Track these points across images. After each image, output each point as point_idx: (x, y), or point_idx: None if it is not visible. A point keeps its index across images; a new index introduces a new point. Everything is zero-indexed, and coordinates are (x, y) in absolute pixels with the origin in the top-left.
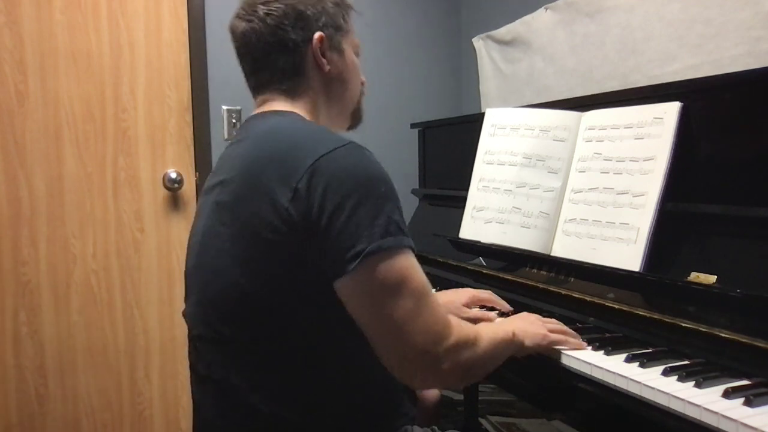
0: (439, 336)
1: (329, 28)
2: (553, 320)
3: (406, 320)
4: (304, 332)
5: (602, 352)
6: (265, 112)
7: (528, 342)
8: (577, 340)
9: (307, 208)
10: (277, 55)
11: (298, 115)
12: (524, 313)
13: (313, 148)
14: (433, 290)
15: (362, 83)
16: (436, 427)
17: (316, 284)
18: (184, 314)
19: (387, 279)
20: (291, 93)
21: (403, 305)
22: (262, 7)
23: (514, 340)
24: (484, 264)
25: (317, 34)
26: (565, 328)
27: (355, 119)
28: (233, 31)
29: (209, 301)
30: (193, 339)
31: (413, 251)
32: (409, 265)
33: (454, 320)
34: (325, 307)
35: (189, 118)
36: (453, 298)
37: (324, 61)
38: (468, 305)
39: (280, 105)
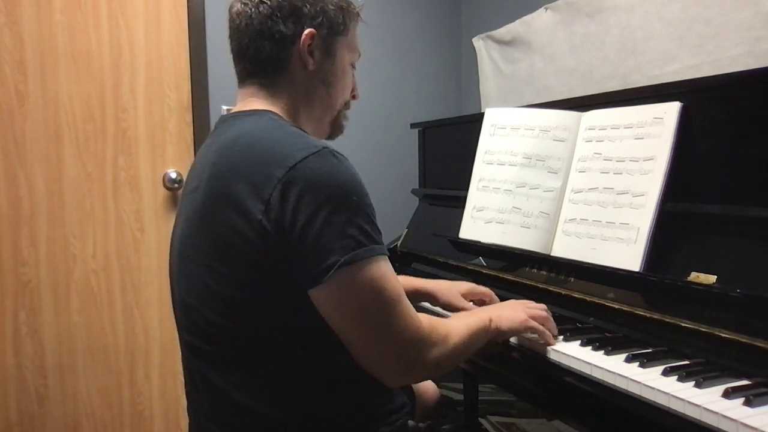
0: (411, 339)
1: (324, 27)
2: (541, 305)
3: (379, 327)
4: (288, 336)
5: (602, 352)
6: (241, 111)
7: (504, 326)
8: (551, 334)
9: (281, 220)
10: (262, 44)
11: (274, 114)
12: (510, 300)
13: (283, 158)
14: (404, 295)
15: (353, 96)
16: (432, 422)
17: (295, 291)
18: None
19: (359, 290)
20: (271, 88)
21: (376, 313)
22: None
23: (490, 326)
24: (484, 264)
25: (307, 31)
26: (548, 316)
27: (334, 129)
28: (230, 9)
29: (189, 307)
30: (180, 341)
31: (386, 256)
32: (381, 274)
33: (425, 321)
34: (305, 311)
35: (189, 118)
36: (452, 286)
37: (310, 59)
38: (466, 296)
39: (258, 103)
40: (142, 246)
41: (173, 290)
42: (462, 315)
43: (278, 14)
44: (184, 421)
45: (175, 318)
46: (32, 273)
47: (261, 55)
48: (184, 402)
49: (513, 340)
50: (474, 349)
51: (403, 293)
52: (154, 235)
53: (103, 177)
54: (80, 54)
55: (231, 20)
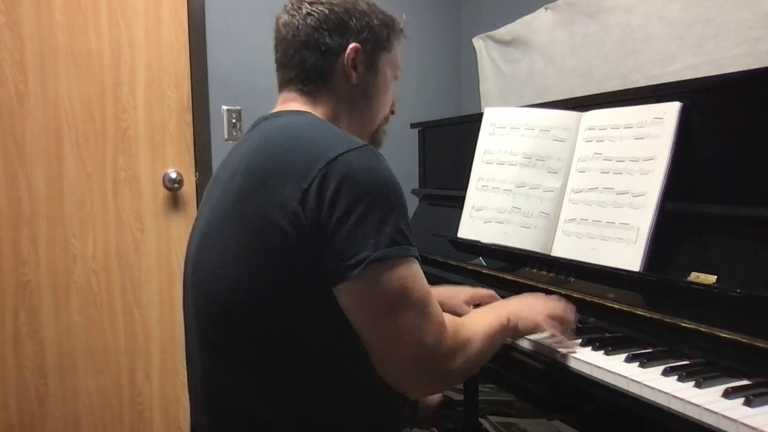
0: (434, 346)
1: (369, 42)
2: (562, 300)
3: (404, 330)
4: (302, 335)
5: (602, 352)
6: (280, 111)
7: (521, 326)
8: (569, 338)
9: (316, 211)
10: (307, 55)
11: (314, 115)
12: (528, 294)
13: (325, 150)
14: (433, 298)
15: (392, 111)
16: (435, 429)
17: (319, 288)
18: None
19: (388, 288)
20: (313, 95)
21: (403, 315)
22: (307, 5)
23: (508, 326)
24: (484, 264)
25: (352, 45)
26: (568, 315)
27: (374, 142)
28: (276, 20)
29: (206, 299)
30: (187, 336)
31: (418, 260)
32: (411, 274)
33: (450, 325)
34: (325, 311)
35: (189, 118)
36: (454, 294)
37: (353, 73)
38: (468, 303)
39: (298, 105)
40: (142, 246)
41: (187, 283)
42: (482, 314)
43: (324, 27)
44: (184, 421)
45: (184, 310)
46: (32, 273)
47: (305, 65)
48: (184, 402)
49: (526, 345)
50: (494, 351)
51: (433, 297)
52: (154, 235)
53: (103, 177)
54: (80, 54)
55: (277, 30)
